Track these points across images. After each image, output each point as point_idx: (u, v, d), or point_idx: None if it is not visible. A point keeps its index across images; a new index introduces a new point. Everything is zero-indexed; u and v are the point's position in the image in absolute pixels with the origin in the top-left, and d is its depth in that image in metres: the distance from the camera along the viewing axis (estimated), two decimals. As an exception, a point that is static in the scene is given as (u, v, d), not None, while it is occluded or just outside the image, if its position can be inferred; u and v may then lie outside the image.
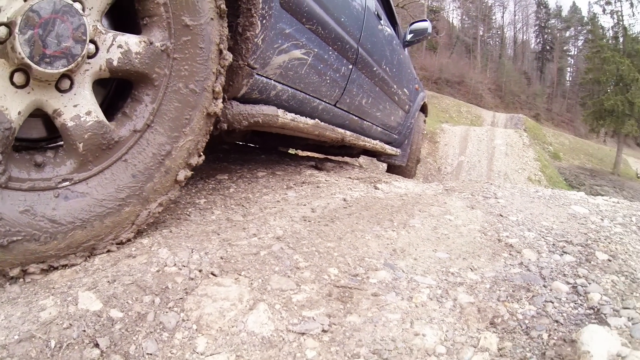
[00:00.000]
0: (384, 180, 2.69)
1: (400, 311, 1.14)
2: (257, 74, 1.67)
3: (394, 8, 3.45)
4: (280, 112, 1.89)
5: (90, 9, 1.11)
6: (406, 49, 3.77)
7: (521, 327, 1.06)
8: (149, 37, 1.23)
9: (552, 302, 1.15)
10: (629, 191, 22.79)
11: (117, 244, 1.29)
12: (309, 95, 2.10)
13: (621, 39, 31.56)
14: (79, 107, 1.13)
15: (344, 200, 2.05)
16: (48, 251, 1.11)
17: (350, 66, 2.39)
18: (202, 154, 1.44)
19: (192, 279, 1.18)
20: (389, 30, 3.02)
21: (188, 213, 1.73)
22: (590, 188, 20.82)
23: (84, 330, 0.94)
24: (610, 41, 32.53)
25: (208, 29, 1.33)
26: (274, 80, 1.80)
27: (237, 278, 1.22)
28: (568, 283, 1.27)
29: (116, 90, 1.38)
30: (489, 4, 65.10)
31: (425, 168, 15.18)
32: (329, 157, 4.28)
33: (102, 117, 1.18)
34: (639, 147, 51.03)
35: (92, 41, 1.12)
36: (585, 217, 1.92)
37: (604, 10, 34.63)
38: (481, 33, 62.33)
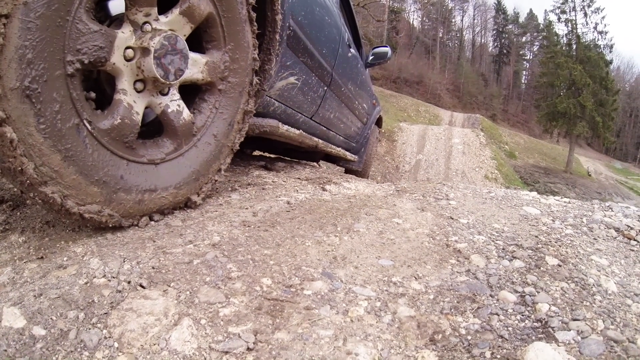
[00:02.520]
0: (333, 181, 2.59)
1: (334, 327, 1.04)
2: (266, 95, 2.11)
3: (360, 33, 3.99)
4: (280, 124, 2.41)
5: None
6: (367, 69, 4.37)
7: (463, 344, 0.97)
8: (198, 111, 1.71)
9: (498, 315, 1.07)
10: (580, 188, 23.76)
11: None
12: (294, 110, 2.60)
13: (574, 46, 32.81)
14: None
15: (288, 203, 1.93)
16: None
17: (325, 88, 2.91)
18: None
19: (119, 291, 1.10)
20: (355, 54, 3.60)
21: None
22: (544, 185, 21.56)
23: (5, 350, 0.90)
24: (564, 48, 33.75)
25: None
26: (273, 99, 2.27)
27: (166, 290, 1.12)
28: (516, 292, 1.19)
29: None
30: (450, 7, 66.31)
31: (384, 166, 15.27)
32: (282, 157, 4.19)
33: None
34: (589, 147, 53.34)
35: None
36: (536, 219, 1.87)
37: (559, 19, 35.85)
38: (441, 35, 63.33)
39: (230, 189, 2.16)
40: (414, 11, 63.61)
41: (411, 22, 62.04)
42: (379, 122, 5.50)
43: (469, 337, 0.99)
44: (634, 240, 1.72)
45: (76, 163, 1.24)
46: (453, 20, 67.78)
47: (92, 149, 1.28)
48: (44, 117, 1.13)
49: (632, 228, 1.80)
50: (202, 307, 1.08)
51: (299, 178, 2.61)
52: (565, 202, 2.32)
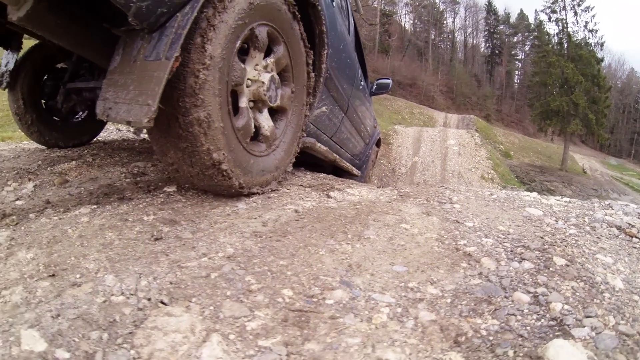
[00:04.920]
0: (336, 187, 2.60)
1: (361, 334, 1.06)
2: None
3: (366, 65, 4.66)
4: (316, 141, 3.06)
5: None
6: (371, 97, 5.15)
7: (486, 344, 1.00)
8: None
9: (515, 315, 1.11)
10: (576, 185, 23.82)
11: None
12: (321, 132, 3.23)
13: (565, 45, 32.96)
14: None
15: (296, 211, 1.95)
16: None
17: (343, 114, 3.61)
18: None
19: (140, 309, 1.09)
20: (364, 85, 4.43)
21: (135, 232, 1.61)
22: (540, 184, 21.59)
23: (30, 376, 0.85)
24: (555, 47, 33.91)
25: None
26: (310, 123, 2.81)
27: (188, 306, 1.12)
28: (529, 292, 1.23)
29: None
30: (441, 9, 66.54)
31: (380, 170, 15.22)
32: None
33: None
34: (584, 144, 53.58)
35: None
36: (540, 220, 1.91)
37: (549, 18, 36.09)
38: (433, 37, 63.40)
39: (235, 198, 2.17)
40: (405, 14, 63.80)
41: (403, 25, 62.11)
42: (378, 143, 6.39)
43: (491, 338, 1.02)
44: (636, 237, 1.75)
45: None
46: (445, 22, 67.89)
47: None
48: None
49: (633, 226, 1.85)
50: (228, 322, 1.07)
51: (301, 185, 2.62)
52: (566, 201, 2.35)
